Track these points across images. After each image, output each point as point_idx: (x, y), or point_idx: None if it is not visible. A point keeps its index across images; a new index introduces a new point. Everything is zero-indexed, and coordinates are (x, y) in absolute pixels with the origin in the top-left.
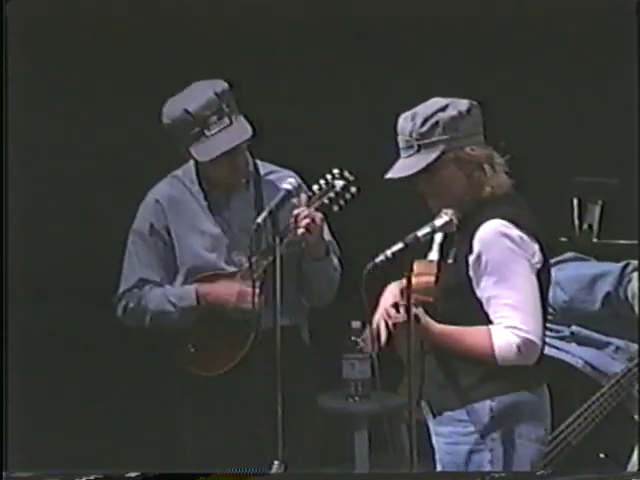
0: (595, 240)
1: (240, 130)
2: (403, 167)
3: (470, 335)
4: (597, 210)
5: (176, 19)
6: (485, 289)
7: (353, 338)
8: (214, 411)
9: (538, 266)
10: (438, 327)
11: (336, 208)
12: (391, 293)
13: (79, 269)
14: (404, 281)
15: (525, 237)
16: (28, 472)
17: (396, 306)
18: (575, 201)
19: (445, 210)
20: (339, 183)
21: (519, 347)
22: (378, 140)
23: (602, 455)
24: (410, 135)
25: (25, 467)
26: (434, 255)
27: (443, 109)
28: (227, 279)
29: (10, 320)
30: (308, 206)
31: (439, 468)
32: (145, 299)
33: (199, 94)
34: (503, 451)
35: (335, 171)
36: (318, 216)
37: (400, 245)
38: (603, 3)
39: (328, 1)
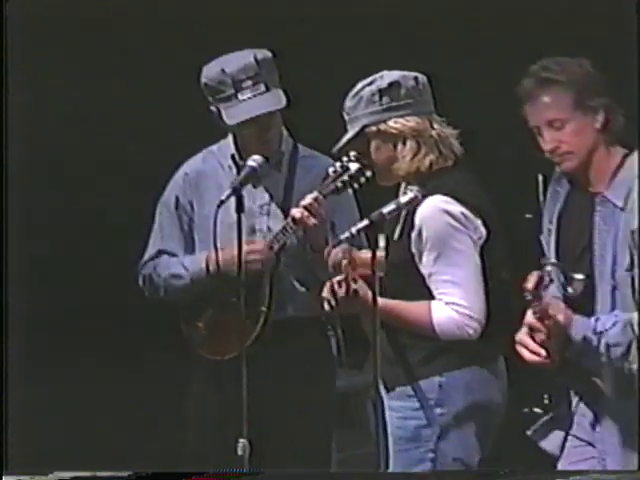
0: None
1: (274, 99)
2: (342, 140)
3: (410, 310)
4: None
5: (178, 18)
6: (426, 265)
7: (320, 317)
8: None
9: (481, 242)
10: (379, 302)
11: (350, 191)
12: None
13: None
14: (350, 255)
15: (467, 213)
16: (28, 472)
17: (339, 282)
18: (540, 178)
19: (410, 187)
20: (354, 166)
21: (458, 323)
22: None
23: (546, 399)
24: (344, 111)
25: (25, 467)
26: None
27: (370, 83)
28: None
29: (10, 320)
30: (320, 190)
31: (391, 442)
32: (160, 267)
33: (239, 57)
34: (452, 426)
35: (351, 153)
36: (321, 202)
37: (365, 222)
38: (603, 3)
39: None
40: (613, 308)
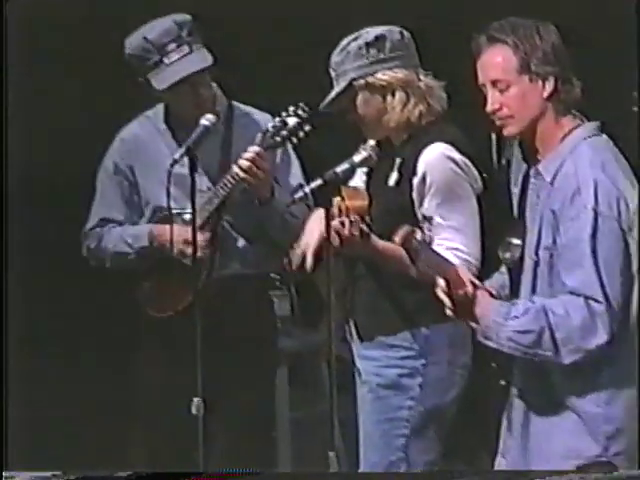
0: (511, 176)
1: (199, 58)
2: (327, 99)
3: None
4: (515, 145)
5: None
6: (428, 210)
7: (272, 275)
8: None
9: (479, 192)
10: (381, 243)
11: (289, 146)
12: (318, 217)
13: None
14: (337, 204)
15: (468, 162)
16: (28, 472)
17: (342, 223)
18: (493, 136)
19: (364, 146)
20: (292, 121)
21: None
22: None
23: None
24: (331, 67)
25: (25, 467)
26: (357, 182)
27: (356, 38)
28: (182, 223)
29: (10, 319)
30: (260, 144)
31: (365, 390)
32: (105, 239)
33: (159, 23)
34: (433, 377)
35: (290, 108)
36: (263, 155)
37: (319, 181)
38: (603, 3)
39: None
40: (534, 283)
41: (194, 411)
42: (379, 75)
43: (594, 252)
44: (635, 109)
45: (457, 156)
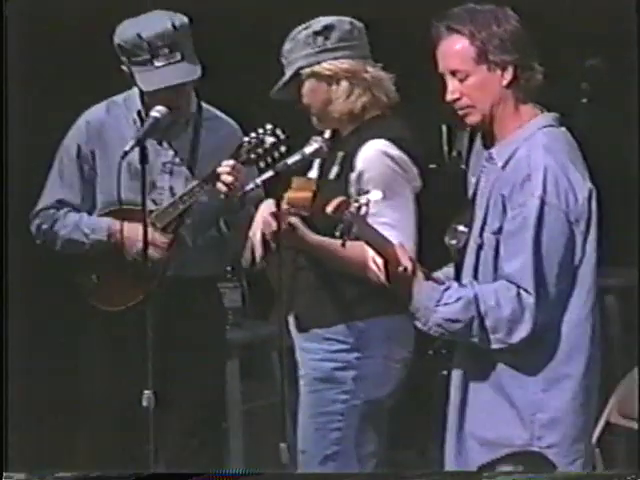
0: (463, 167)
1: (189, 69)
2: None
3: (346, 249)
4: (466, 137)
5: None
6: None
7: (226, 267)
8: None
9: (418, 189)
10: (315, 238)
11: (262, 164)
12: (267, 206)
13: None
14: (283, 195)
15: (407, 159)
16: (28, 472)
17: (274, 216)
18: (444, 128)
19: (315, 138)
20: (269, 140)
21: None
22: None
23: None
24: (282, 55)
25: (25, 467)
26: (313, 173)
27: (306, 27)
28: (138, 220)
29: (10, 319)
30: (235, 158)
31: (302, 384)
32: (59, 223)
33: (157, 22)
34: (368, 371)
35: (268, 127)
36: (239, 169)
37: (270, 173)
38: (603, 3)
39: None
40: (476, 267)
41: (145, 403)
42: (325, 64)
43: (536, 242)
44: (584, 101)
45: (396, 153)
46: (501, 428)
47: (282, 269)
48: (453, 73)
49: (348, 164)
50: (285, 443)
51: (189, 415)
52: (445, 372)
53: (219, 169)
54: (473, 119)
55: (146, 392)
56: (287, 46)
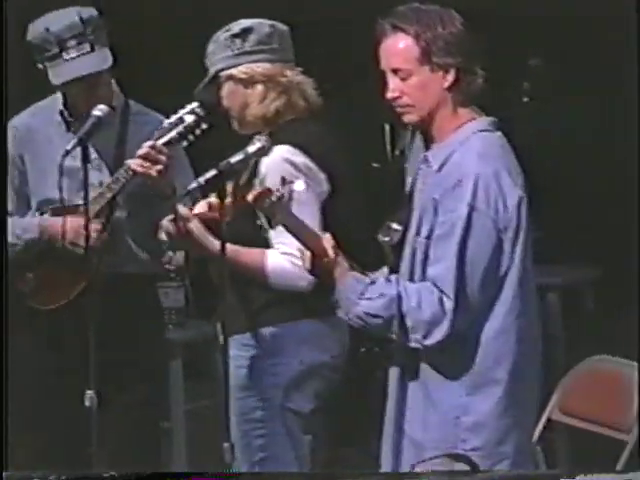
0: (406, 166)
1: (99, 59)
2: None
3: (246, 255)
4: (408, 136)
5: (177, 16)
6: None
7: (167, 266)
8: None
9: (324, 196)
10: (215, 244)
11: (185, 143)
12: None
13: None
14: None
15: (311, 165)
16: (28, 472)
17: (174, 221)
18: (387, 127)
19: (258, 137)
20: (190, 118)
21: (291, 274)
22: None
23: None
24: (205, 57)
25: (25, 467)
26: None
27: (227, 30)
28: (72, 214)
29: (10, 318)
30: (155, 139)
31: (230, 391)
32: None
33: (64, 16)
34: (285, 376)
35: (188, 106)
36: (160, 149)
37: (213, 172)
38: (603, 3)
39: None
40: (412, 268)
41: (87, 403)
42: (241, 68)
43: (461, 248)
44: (526, 100)
45: (299, 160)
46: (430, 430)
47: (222, 271)
48: (395, 71)
49: (254, 170)
50: (228, 443)
51: (130, 415)
52: (383, 370)
53: (139, 151)
54: (411, 118)
55: (88, 392)
56: (209, 48)
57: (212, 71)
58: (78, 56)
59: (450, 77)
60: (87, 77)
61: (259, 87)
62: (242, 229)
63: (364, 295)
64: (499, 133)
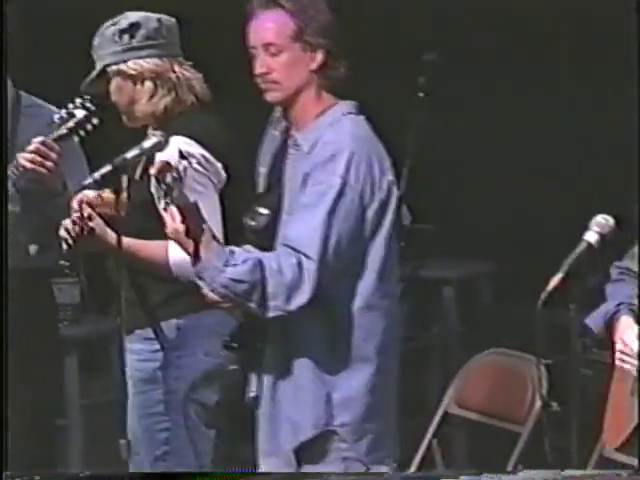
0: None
1: None
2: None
3: (147, 248)
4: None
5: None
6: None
7: (61, 262)
8: None
9: (221, 185)
10: (116, 238)
11: (76, 138)
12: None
13: None
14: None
15: (207, 155)
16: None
17: (74, 220)
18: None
19: (153, 132)
20: (80, 113)
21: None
22: None
23: None
24: (92, 50)
25: (25, 467)
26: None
27: (113, 24)
28: None
29: (9, 317)
30: (45, 135)
31: (130, 384)
32: None
33: None
34: (189, 369)
35: (77, 100)
36: (50, 146)
37: (108, 168)
38: (603, 3)
39: None
40: None
41: None
42: (130, 64)
43: (329, 216)
44: (421, 95)
45: (195, 151)
46: (305, 410)
47: (117, 269)
48: (266, 47)
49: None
50: (125, 439)
51: (24, 413)
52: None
53: (29, 147)
54: (276, 96)
55: None
56: (95, 42)
57: (99, 66)
58: None
59: (319, 58)
60: None
61: (148, 84)
62: (141, 224)
63: (229, 262)
64: (363, 117)
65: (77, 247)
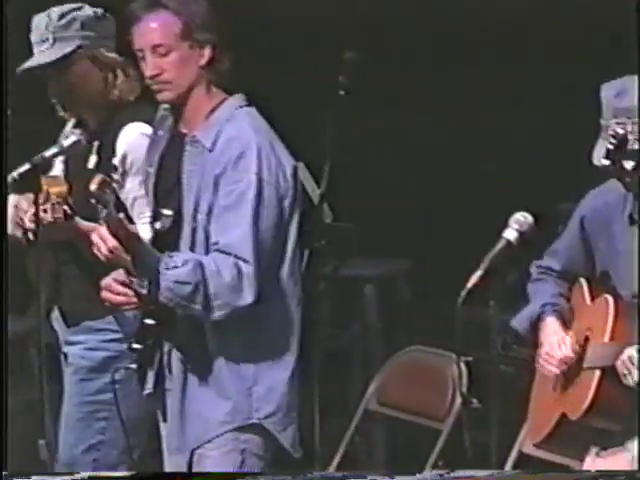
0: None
1: None
2: (37, 59)
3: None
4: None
5: None
6: (131, 190)
7: None
8: None
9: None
10: (85, 225)
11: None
12: (21, 203)
13: None
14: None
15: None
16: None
17: (45, 209)
18: None
19: (72, 130)
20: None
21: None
22: None
23: None
24: (46, 29)
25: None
26: (57, 170)
27: (80, 8)
28: None
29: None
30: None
31: (69, 372)
32: None
33: None
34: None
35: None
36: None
37: (27, 166)
38: (603, 3)
39: None
40: (192, 248)
41: None
42: (103, 51)
43: (254, 214)
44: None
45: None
46: (220, 405)
47: (44, 263)
48: (154, 48)
49: (109, 150)
50: (44, 440)
51: None
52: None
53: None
54: (167, 96)
55: None
56: (61, 22)
57: (73, 46)
58: None
59: (207, 54)
60: None
61: (112, 72)
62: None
63: (170, 265)
64: (254, 108)
65: (49, 235)
